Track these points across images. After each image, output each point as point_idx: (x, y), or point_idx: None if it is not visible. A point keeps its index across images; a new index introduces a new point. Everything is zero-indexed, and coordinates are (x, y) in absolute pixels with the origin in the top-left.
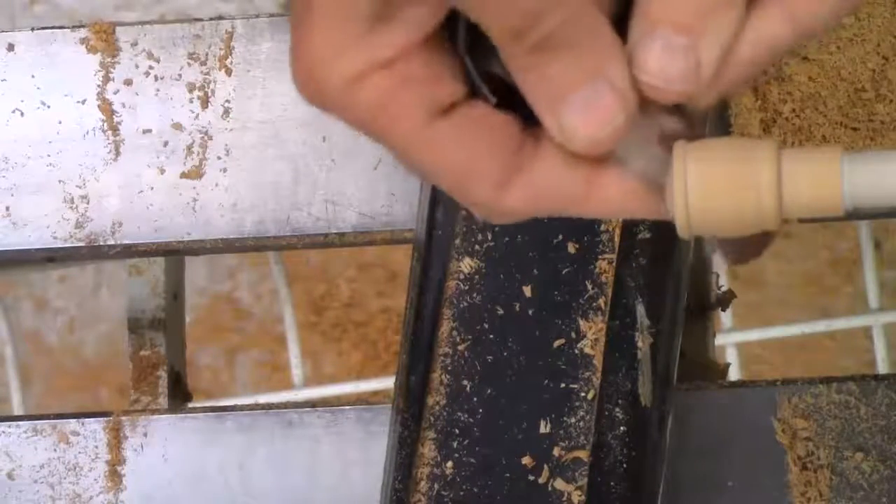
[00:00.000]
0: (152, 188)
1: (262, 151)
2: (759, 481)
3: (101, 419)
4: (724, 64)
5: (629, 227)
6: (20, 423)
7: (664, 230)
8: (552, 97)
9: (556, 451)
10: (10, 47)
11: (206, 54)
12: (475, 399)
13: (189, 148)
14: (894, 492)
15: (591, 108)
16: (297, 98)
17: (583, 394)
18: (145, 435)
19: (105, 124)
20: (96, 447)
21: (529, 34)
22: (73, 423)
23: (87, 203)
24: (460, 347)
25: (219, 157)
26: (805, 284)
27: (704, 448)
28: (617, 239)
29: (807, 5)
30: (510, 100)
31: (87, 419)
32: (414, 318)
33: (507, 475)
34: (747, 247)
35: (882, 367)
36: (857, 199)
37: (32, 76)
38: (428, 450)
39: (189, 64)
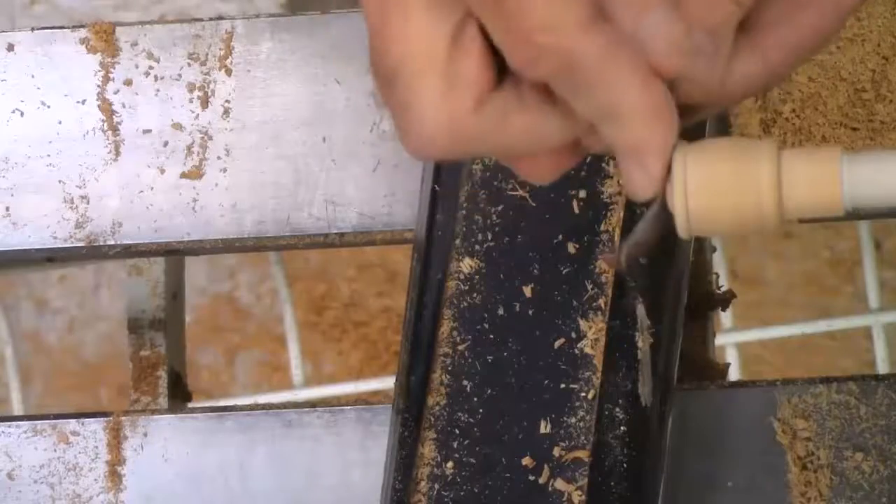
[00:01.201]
0: (152, 188)
1: (262, 151)
2: (759, 481)
3: (101, 419)
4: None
5: (629, 227)
6: (20, 423)
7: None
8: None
9: (556, 451)
10: (10, 47)
11: (206, 54)
12: (475, 399)
13: (189, 148)
14: (894, 492)
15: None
16: (297, 98)
17: (583, 394)
18: (145, 435)
19: (105, 124)
20: (96, 447)
21: None
22: (73, 423)
23: (87, 203)
24: (460, 347)
25: (219, 158)
26: (805, 284)
27: (704, 448)
28: (617, 239)
29: (778, 50)
30: None
31: (87, 419)
32: (414, 318)
33: (508, 475)
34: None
35: (882, 367)
36: (857, 199)
37: (32, 76)
38: (428, 450)
39: (189, 64)
